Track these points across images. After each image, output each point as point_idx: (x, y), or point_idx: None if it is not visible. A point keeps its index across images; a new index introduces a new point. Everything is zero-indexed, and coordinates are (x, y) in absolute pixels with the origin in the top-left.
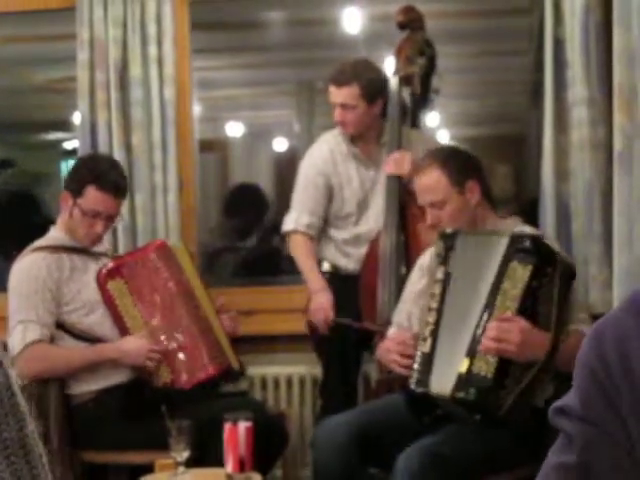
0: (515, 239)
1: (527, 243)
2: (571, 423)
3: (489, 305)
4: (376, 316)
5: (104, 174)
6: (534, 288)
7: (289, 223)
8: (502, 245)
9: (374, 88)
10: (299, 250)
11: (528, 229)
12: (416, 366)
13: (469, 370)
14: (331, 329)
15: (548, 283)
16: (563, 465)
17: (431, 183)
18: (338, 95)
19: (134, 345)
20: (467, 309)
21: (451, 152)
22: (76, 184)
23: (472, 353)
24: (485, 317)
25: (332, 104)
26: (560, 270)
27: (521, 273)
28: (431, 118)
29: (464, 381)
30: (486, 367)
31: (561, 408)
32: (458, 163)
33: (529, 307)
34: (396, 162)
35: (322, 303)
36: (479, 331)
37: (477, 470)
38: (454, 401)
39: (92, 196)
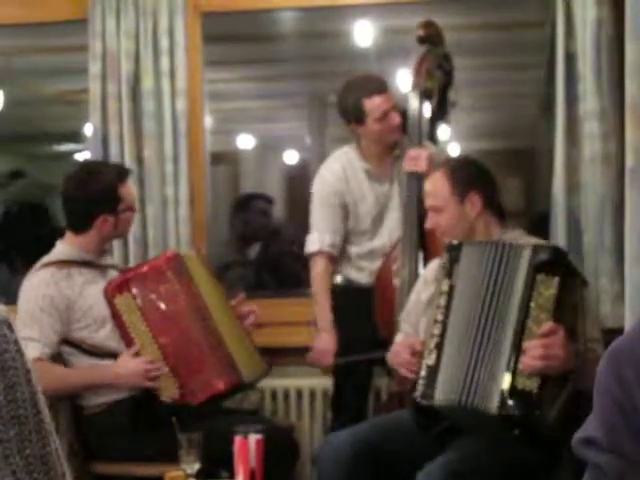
0: (537, 251)
1: (550, 255)
2: (599, 455)
3: (521, 319)
4: (393, 330)
5: (113, 170)
6: (561, 300)
7: (314, 244)
8: (525, 257)
9: None
10: (319, 276)
11: (534, 241)
12: (421, 380)
13: (513, 386)
14: (338, 369)
15: (571, 294)
16: None
17: (433, 187)
18: (388, 100)
19: (131, 366)
20: (480, 321)
21: (463, 162)
22: (107, 200)
23: (513, 368)
24: (519, 331)
25: (382, 113)
26: (579, 280)
27: (549, 285)
28: (442, 131)
29: (509, 397)
30: (530, 383)
31: (587, 439)
32: (465, 173)
33: (559, 320)
34: (413, 159)
35: (325, 347)
36: (516, 345)
37: None
38: (501, 419)
39: (126, 192)
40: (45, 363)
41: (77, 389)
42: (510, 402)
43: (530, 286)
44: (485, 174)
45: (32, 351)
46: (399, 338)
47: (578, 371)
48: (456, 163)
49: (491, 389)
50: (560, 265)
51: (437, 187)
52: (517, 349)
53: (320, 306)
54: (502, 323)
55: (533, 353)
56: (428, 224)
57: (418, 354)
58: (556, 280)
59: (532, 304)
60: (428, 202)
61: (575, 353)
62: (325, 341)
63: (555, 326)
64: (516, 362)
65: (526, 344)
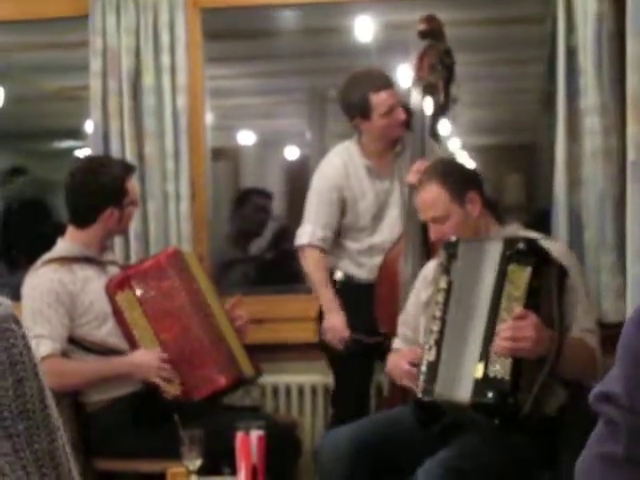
0: (509, 242)
1: (521, 245)
2: (617, 411)
3: (494, 309)
4: (394, 327)
5: (119, 164)
6: (535, 288)
7: (304, 237)
8: (497, 250)
9: None
10: (313, 266)
11: (532, 235)
12: (422, 376)
13: (485, 374)
14: (346, 346)
15: (546, 283)
16: (609, 455)
17: (431, 198)
18: (394, 95)
19: (146, 358)
20: (469, 316)
21: (449, 165)
22: (114, 192)
23: (485, 357)
24: (492, 321)
25: (388, 108)
26: (555, 269)
27: (521, 275)
28: (443, 126)
29: (481, 386)
30: (502, 370)
31: (605, 394)
32: (457, 176)
33: (532, 307)
34: (419, 172)
35: (334, 324)
36: (488, 335)
37: None
38: (474, 407)
39: (131, 186)
40: (58, 359)
41: (92, 382)
42: (482, 390)
43: (502, 277)
44: (472, 172)
45: (44, 348)
46: (397, 344)
47: (552, 356)
48: (444, 168)
49: (468, 379)
50: (533, 255)
51: (435, 197)
52: (489, 338)
53: (321, 291)
54: (481, 315)
55: (502, 335)
56: (433, 236)
57: (417, 364)
58: (528, 269)
59: (505, 294)
60: (429, 214)
61: (550, 338)
62: (334, 319)
63: (525, 312)
64: (488, 351)
65: (497, 329)
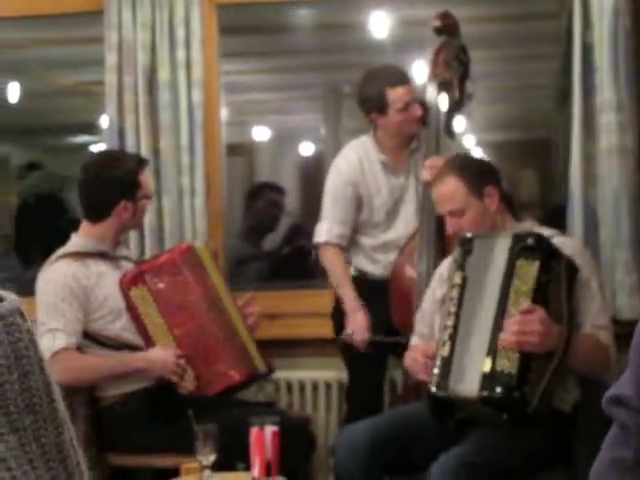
0: (518, 238)
1: (530, 240)
2: (627, 414)
3: (502, 304)
4: (410, 326)
5: (132, 157)
6: (543, 283)
7: (321, 234)
8: (506, 245)
9: None
10: (333, 264)
11: (547, 231)
12: (436, 370)
13: (492, 369)
14: (369, 347)
15: (555, 278)
16: (619, 461)
17: (449, 191)
18: (411, 91)
19: (161, 355)
20: (480, 311)
21: (467, 159)
22: (128, 185)
23: (493, 352)
24: (500, 316)
25: (404, 104)
26: (564, 265)
27: (529, 270)
28: (458, 123)
29: (489, 380)
30: (509, 364)
31: (617, 397)
32: (475, 170)
33: (540, 302)
34: (431, 168)
35: (359, 324)
36: (497, 329)
37: (509, 478)
38: (481, 401)
39: (145, 179)
40: (74, 353)
41: (108, 378)
42: (489, 384)
43: (511, 272)
44: (492, 167)
45: (59, 342)
46: (414, 341)
47: (560, 351)
48: (462, 162)
49: (476, 374)
50: (541, 250)
51: (453, 190)
52: (497, 332)
53: (343, 290)
54: (490, 310)
55: (509, 329)
56: (449, 230)
57: (434, 357)
58: (536, 264)
59: (513, 289)
60: (447, 207)
61: (559, 333)
62: (359, 318)
63: (532, 306)
64: (496, 345)
65: (504, 323)
